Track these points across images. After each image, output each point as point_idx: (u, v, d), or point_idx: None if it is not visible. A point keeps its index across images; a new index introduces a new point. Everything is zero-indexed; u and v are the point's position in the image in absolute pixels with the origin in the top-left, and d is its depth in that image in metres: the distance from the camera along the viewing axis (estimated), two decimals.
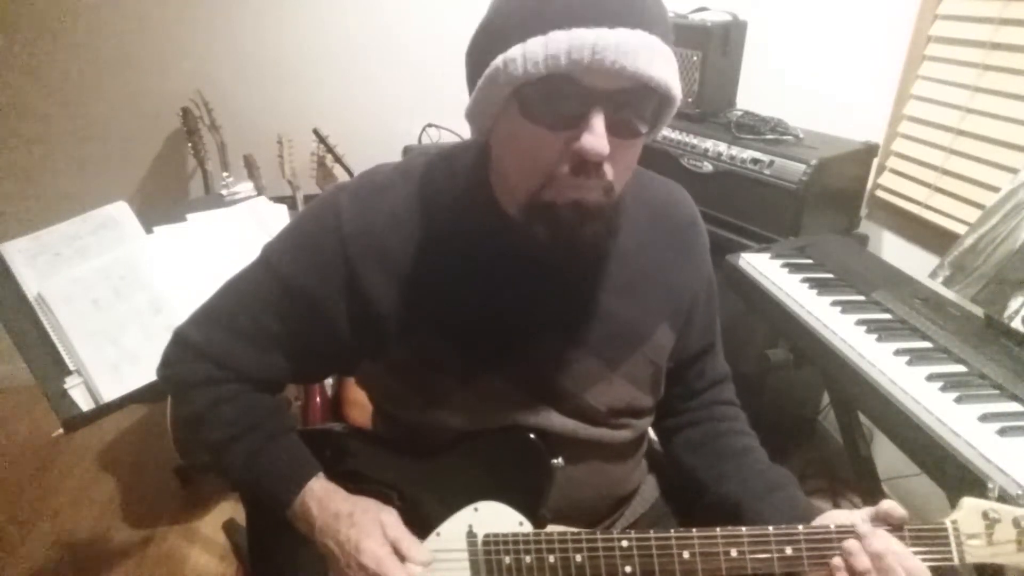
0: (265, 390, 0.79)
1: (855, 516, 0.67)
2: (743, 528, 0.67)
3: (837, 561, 0.64)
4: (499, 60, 0.58)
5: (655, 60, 0.56)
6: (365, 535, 0.68)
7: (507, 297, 0.73)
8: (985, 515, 0.63)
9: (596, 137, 0.57)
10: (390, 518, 0.71)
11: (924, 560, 0.64)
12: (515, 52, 0.56)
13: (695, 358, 0.88)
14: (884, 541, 0.63)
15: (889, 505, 0.65)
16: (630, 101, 0.59)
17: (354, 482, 0.77)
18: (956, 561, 0.64)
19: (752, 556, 0.66)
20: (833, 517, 0.69)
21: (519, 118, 0.60)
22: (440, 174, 0.75)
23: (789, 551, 0.65)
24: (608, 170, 0.61)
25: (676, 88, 0.60)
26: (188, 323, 0.80)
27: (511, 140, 0.64)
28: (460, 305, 0.73)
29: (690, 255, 0.82)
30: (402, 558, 0.69)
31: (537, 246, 0.64)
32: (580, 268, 0.75)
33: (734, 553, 0.66)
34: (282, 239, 0.78)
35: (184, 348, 0.78)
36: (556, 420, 0.76)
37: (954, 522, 0.64)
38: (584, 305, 0.75)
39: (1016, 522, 0.63)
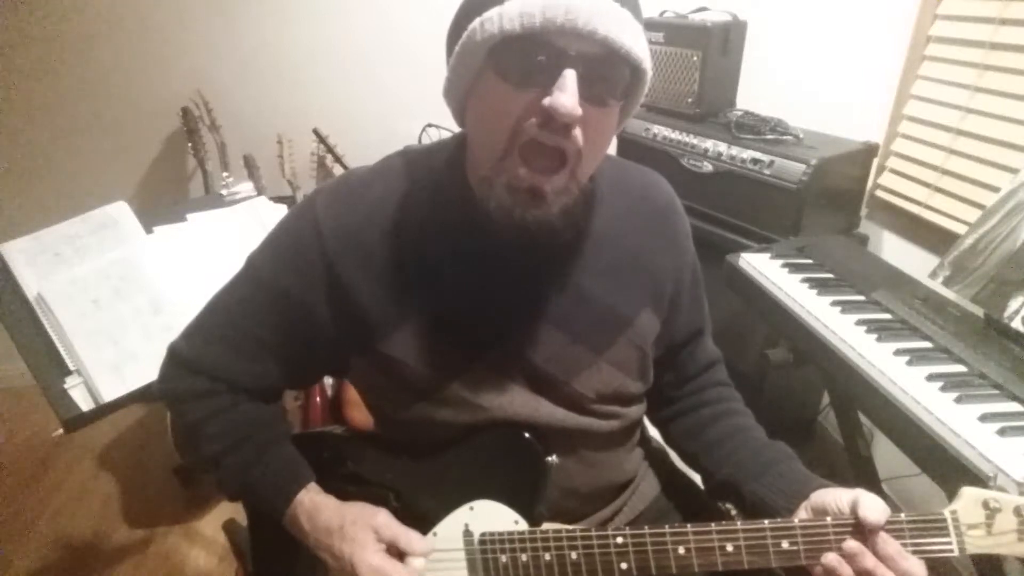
0: (260, 399, 0.80)
1: (842, 499, 0.66)
2: (738, 523, 0.67)
3: (832, 558, 0.64)
4: (476, 22, 0.60)
5: (626, 30, 0.59)
6: (359, 547, 0.68)
7: (489, 287, 0.73)
8: (986, 504, 0.62)
9: (567, 95, 0.58)
10: (382, 520, 0.71)
11: (923, 551, 0.63)
12: (491, 13, 0.59)
13: (685, 343, 0.88)
14: (880, 545, 0.63)
15: (863, 513, 0.63)
16: (602, 69, 0.60)
17: (352, 484, 0.77)
18: (956, 552, 0.63)
19: (748, 550, 0.66)
20: (823, 497, 0.69)
21: (493, 80, 0.62)
22: (419, 170, 0.77)
23: (785, 545, 0.65)
24: (579, 135, 0.62)
25: (646, 62, 0.63)
26: (180, 338, 0.80)
27: (482, 104, 0.65)
28: (443, 297, 0.73)
29: (670, 240, 0.83)
30: (402, 555, 0.69)
31: (498, 227, 0.64)
32: (559, 254, 0.75)
33: (730, 548, 0.66)
34: (264, 247, 0.79)
35: (177, 363, 0.79)
36: (545, 408, 0.76)
37: (953, 512, 0.63)
38: (566, 292, 0.75)
39: (1017, 511, 0.62)
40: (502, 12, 0.58)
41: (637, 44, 0.61)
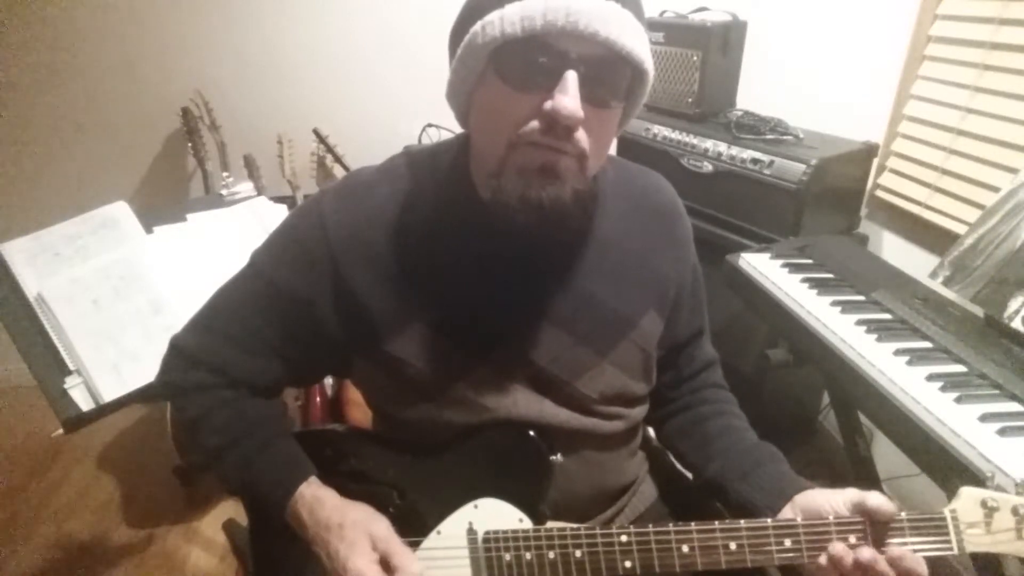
0: (261, 395, 0.80)
1: (837, 500, 0.67)
2: (742, 521, 0.67)
3: (840, 548, 0.63)
4: (477, 26, 0.60)
5: (627, 30, 0.59)
6: (355, 552, 0.67)
7: (493, 288, 0.74)
8: (984, 504, 0.63)
9: (569, 97, 0.58)
10: (380, 529, 0.70)
11: (922, 549, 0.64)
12: (493, 16, 0.59)
13: (685, 344, 0.89)
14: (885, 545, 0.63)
15: (876, 504, 0.63)
16: (603, 70, 0.60)
17: (355, 482, 0.77)
18: (955, 550, 0.64)
19: (751, 549, 0.66)
20: (814, 498, 0.69)
21: (495, 82, 0.62)
22: (423, 170, 0.77)
23: (788, 543, 0.66)
24: (581, 138, 0.62)
25: (648, 62, 0.63)
26: (183, 332, 0.81)
27: (485, 106, 0.65)
28: (447, 298, 0.73)
29: (673, 242, 0.83)
30: (393, 570, 0.68)
31: (510, 220, 0.64)
32: (564, 256, 0.75)
33: (733, 546, 0.67)
34: (269, 244, 0.79)
35: (179, 356, 0.79)
36: (549, 409, 0.76)
37: (953, 511, 0.64)
38: (570, 293, 0.75)
39: (1015, 510, 0.63)
40: (503, 15, 0.58)
41: (639, 45, 0.60)
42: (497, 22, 0.59)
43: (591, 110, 0.60)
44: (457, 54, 0.64)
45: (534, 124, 0.61)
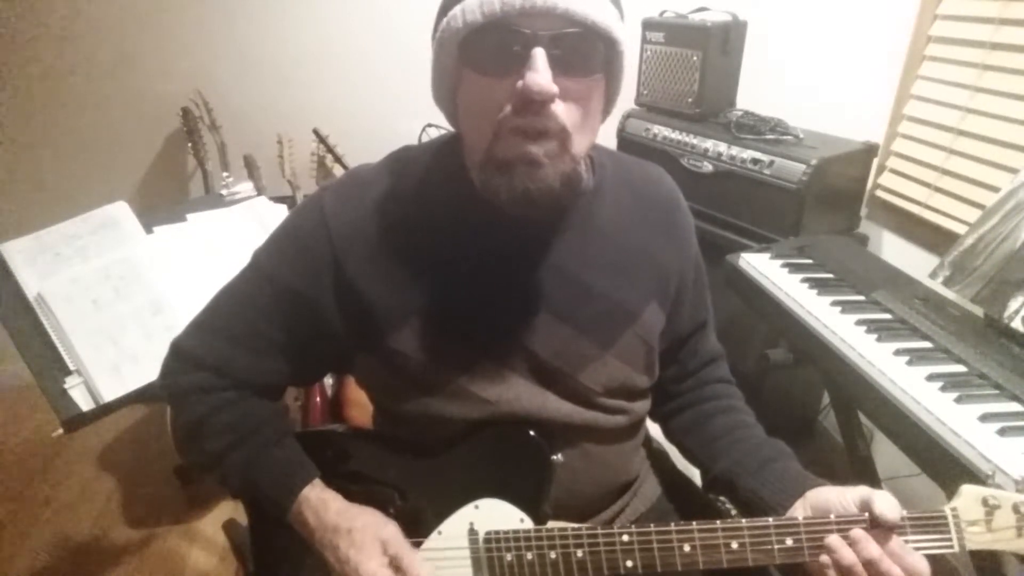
0: (264, 395, 0.80)
1: (847, 497, 0.67)
2: (743, 520, 0.67)
3: (835, 540, 0.64)
4: (443, 22, 0.62)
5: (588, 1, 0.59)
6: (366, 557, 0.68)
7: (493, 281, 0.74)
8: (984, 502, 0.63)
9: (538, 73, 0.58)
10: (389, 533, 0.70)
11: (923, 547, 0.64)
12: (455, 10, 0.61)
13: (687, 337, 0.89)
14: (886, 541, 0.63)
15: (880, 511, 0.63)
16: (571, 43, 0.61)
17: (356, 482, 0.77)
18: (956, 548, 0.64)
19: (753, 548, 0.66)
20: (825, 495, 0.69)
21: (469, 75, 0.64)
22: (421, 167, 0.77)
23: (790, 542, 0.66)
24: (559, 111, 0.62)
25: (615, 30, 0.63)
26: (184, 334, 0.80)
27: (465, 100, 0.67)
28: (447, 292, 0.74)
29: (674, 234, 0.83)
30: (402, 574, 0.69)
31: (501, 213, 0.65)
32: (563, 249, 0.75)
33: (735, 545, 0.67)
34: (270, 243, 0.79)
35: (181, 358, 0.79)
36: (552, 403, 0.76)
37: (954, 509, 0.64)
38: (571, 285, 0.75)
39: (1016, 508, 0.63)
40: (464, 7, 0.60)
41: (602, 14, 0.61)
42: (459, 14, 0.60)
43: (567, 82, 0.61)
44: (433, 54, 0.66)
45: (508, 109, 0.61)
